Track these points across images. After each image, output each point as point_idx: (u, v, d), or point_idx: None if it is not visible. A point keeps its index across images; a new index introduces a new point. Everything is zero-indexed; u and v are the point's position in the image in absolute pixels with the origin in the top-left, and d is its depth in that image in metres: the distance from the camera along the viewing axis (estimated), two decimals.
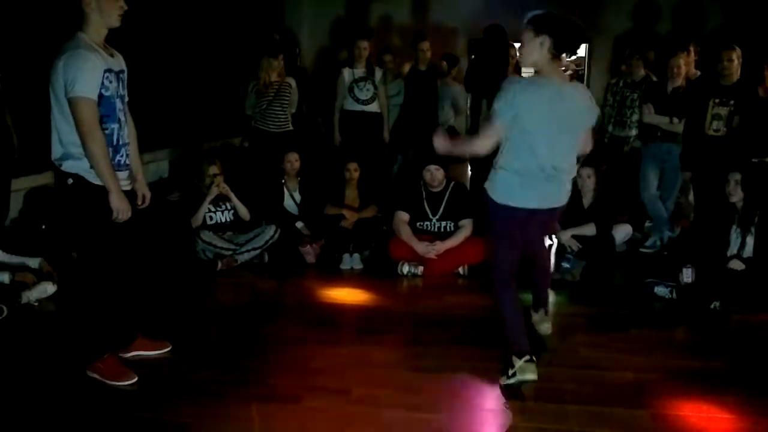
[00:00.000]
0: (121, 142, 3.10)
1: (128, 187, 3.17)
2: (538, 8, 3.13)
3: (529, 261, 3.52)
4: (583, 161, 6.17)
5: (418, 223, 5.20)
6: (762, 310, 4.18)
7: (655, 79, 6.11)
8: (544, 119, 3.04)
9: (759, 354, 3.68)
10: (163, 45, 6.26)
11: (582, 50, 9.31)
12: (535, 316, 3.76)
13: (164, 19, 6.31)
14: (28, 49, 4.71)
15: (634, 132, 6.19)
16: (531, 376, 3.09)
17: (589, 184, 5.23)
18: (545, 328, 3.74)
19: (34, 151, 4.68)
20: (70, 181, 2.99)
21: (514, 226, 3.20)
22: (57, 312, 4.07)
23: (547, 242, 5.62)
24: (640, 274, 4.86)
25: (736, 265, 4.41)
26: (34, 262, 4.31)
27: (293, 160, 5.71)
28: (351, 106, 6.40)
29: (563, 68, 3.36)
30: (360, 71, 6.36)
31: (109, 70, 2.99)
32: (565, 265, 4.98)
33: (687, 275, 4.45)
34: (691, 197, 5.86)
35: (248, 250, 5.12)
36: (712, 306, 4.24)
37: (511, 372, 3.12)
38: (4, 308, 3.89)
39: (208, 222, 5.29)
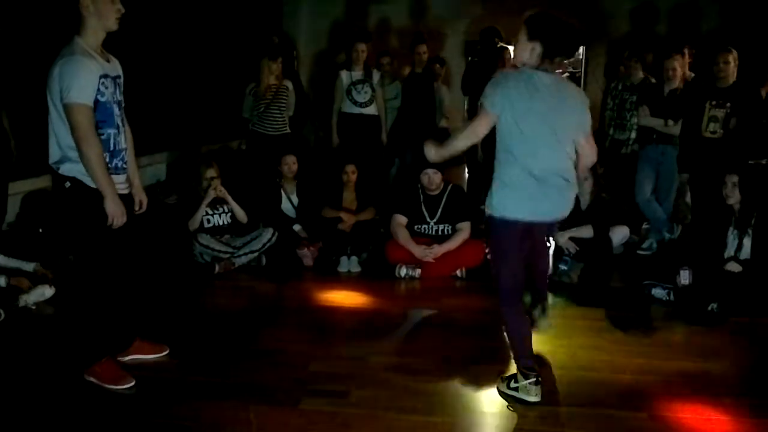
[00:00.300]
0: (118, 147, 3.10)
1: (125, 191, 3.17)
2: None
3: (529, 265, 3.39)
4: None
5: (415, 226, 5.20)
6: (759, 311, 4.18)
7: (653, 81, 6.13)
8: (534, 115, 2.89)
9: (756, 356, 3.69)
10: (161, 48, 6.27)
11: (579, 53, 9.34)
12: (534, 313, 3.62)
13: (162, 22, 6.31)
14: (25, 53, 4.71)
15: (633, 134, 6.21)
16: (534, 398, 3.03)
17: (586, 187, 5.24)
18: (544, 324, 3.56)
19: (32, 155, 4.69)
20: (68, 184, 2.99)
21: (515, 241, 3.05)
22: (54, 315, 4.06)
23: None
24: (637, 276, 4.86)
25: (733, 267, 4.42)
26: (29, 266, 4.31)
27: (291, 163, 5.71)
28: (349, 108, 6.41)
29: (559, 70, 3.29)
30: (358, 74, 6.37)
31: (105, 76, 2.99)
32: (563, 267, 4.99)
33: (684, 277, 4.46)
34: (688, 199, 5.88)
35: (246, 253, 5.12)
36: (709, 308, 4.25)
37: (513, 385, 3.10)
38: (2, 312, 3.88)
39: (206, 225, 5.28)
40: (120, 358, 3.32)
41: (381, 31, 9.02)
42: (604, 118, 6.68)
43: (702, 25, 8.59)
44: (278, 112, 6.21)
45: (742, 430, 2.91)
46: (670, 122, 5.48)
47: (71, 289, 3.72)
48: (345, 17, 9.42)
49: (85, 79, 2.90)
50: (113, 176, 3.04)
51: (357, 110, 6.40)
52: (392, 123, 6.66)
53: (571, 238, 5.09)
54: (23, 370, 3.31)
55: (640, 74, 6.32)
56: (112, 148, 3.06)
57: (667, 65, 5.57)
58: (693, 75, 5.92)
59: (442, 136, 7.01)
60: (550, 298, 4.41)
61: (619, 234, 5.39)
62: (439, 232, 5.20)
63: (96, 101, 2.95)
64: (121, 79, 3.14)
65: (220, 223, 5.34)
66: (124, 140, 3.15)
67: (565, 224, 4.94)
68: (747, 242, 4.45)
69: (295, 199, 5.73)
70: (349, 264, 5.16)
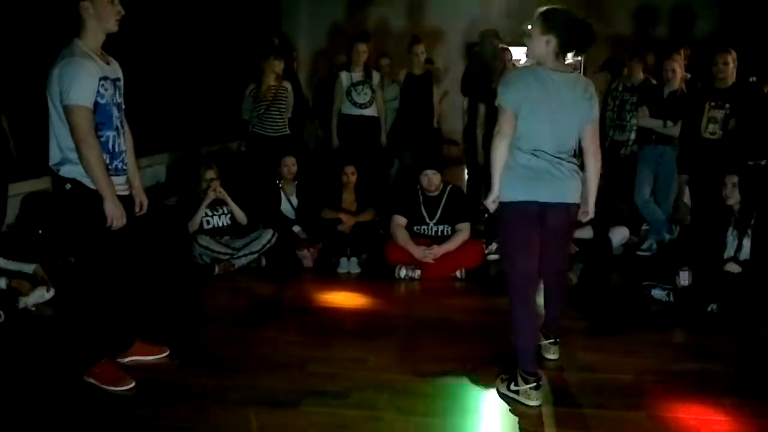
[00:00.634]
0: (118, 149, 3.10)
1: (125, 192, 3.18)
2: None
3: (544, 274, 3.34)
4: (580, 165, 6.19)
5: (415, 227, 5.20)
6: (759, 312, 4.18)
7: (654, 82, 6.14)
8: (543, 109, 2.97)
9: (756, 356, 3.69)
10: (161, 49, 6.27)
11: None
12: (544, 342, 3.49)
13: (161, 23, 6.32)
14: (25, 55, 4.71)
15: (632, 135, 6.21)
16: (534, 402, 3.02)
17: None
18: (552, 352, 3.51)
19: (31, 156, 4.69)
20: (68, 186, 2.99)
21: (524, 225, 3.03)
22: (54, 317, 4.06)
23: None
24: (637, 276, 4.87)
25: (733, 267, 4.42)
26: (29, 268, 4.31)
27: (290, 164, 5.72)
28: (349, 109, 6.41)
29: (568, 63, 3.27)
30: (358, 75, 6.37)
31: (105, 78, 3.00)
32: None
33: (684, 278, 4.46)
34: (687, 199, 5.88)
35: (245, 255, 5.12)
36: (709, 308, 4.25)
37: (513, 388, 3.09)
38: (2, 313, 3.88)
39: (205, 226, 5.28)
40: (120, 360, 3.32)
41: (380, 32, 9.02)
42: (605, 119, 6.68)
43: (701, 26, 8.61)
44: (278, 113, 6.21)
45: (741, 430, 2.91)
46: (669, 123, 5.49)
47: (71, 290, 3.72)
48: (344, 19, 9.43)
49: (85, 81, 2.90)
50: (113, 178, 3.04)
51: (357, 111, 6.40)
52: (391, 124, 6.66)
53: (571, 239, 5.08)
54: (23, 371, 3.31)
55: (641, 75, 6.33)
56: (111, 150, 3.06)
57: (667, 66, 5.58)
58: (689, 76, 5.93)
59: (438, 137, 7.06)
60: None
61: (619, 235, 5.40)
62: (439, 233, 5.20)
63: (95, 103, 2.95)
64: (121, 82, 3.15)
65: (220, 225, 5.34)
66: (123, 142, 3.15)
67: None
68: (746, 243, 4.46)
69: (294, 201, 5.74)
70: (349, 265, 5.16)
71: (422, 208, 5.23)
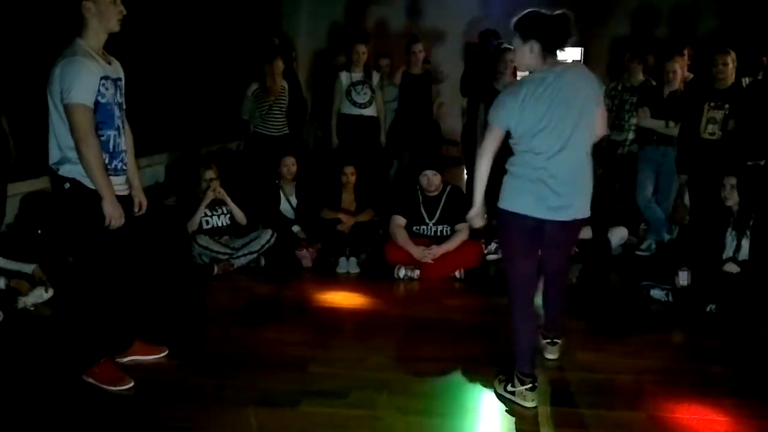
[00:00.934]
0: (118, 149, 3.10)
1: (125, 192, 3.18)
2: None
3: (546, 278, 3.36)
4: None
5: (414, 227, 5.20)
6: (757, 312, 4.19)
7: (654, 83, 6.14)
8: (548, 113, 2.90)
9: (755, 356, 3.70)
10: (160, 49, 6.27)
11: (579, 54, 9.35)
12: (544, 342, 3.50)
13: (161, 23, 6.32)
14: (24, 54, 4.71)
15: (630, 135, 6.21)
16: (530, 404, 3.02)
17: None
18: (552, 353, 3.51)
19: (31, 156, 4.69)
20: (67, 185, 2.99)
21: (526, 232, 3.02)
22: (53, 317, 4.06)
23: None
24: (636, 276, 4.87)
25: (732, 268, 4.43)
26: (29, 268, 4.30)
27: (290, 164, 5.72)
28: (348, 109, 6.41)
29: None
30: (357, 75, 6.38)
31: (106, 77, 3.00)
32: None
33: (683, 278, 4.46)
34: (686, 200, 5.88)
35: (245, 254, 5.12)
36: (707, 309, 4.26)
37: (510, 389, 3.10)
38: (1, 313, 3.88)
39: (205, 226, 5.28)
40: (119, 359, 3.32)
41: (379, 32, 9.02)
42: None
43: (701, 26, 8.61)
44: (280, 113, 6.24)
45: (740, 430, 2.91)
46: (671, 124, 5.49)
47: (70, 290, 3.72)
48: (344, 19, 9.43)
49: (86, 80, 2.91)
50: (112, 178, 3.04)
51: (356, 111, 6.41)
52: (390, 124, 6.67)
53: None
54: (22, 371, 3.31)
55: (641, 76, 6.34)
56: (111, 150, 3.06)
57: (668, 67, 5.58)
58: (692, 76, 5.93)
59: (436, 134, 7.04)
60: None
61: (618, 235, 5.40)
62: (438, 233, 5.20)
63: (96, 102, 2.95)
64: (122, 82, 3.15)
65: (219, 225, 5.34)
66: (124, 142, 3.15)
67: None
68: (745, 243, 4.46)
69: (294, 201, 5.74)
70: (348, 265, 5.16)
71: (421, 208, 5.23)
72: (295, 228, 5.56)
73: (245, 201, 5.48)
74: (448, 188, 5.28)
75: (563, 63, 3.07)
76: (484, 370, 3.36)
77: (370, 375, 3.36)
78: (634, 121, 6.10)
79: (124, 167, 3.16)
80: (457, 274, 5.04)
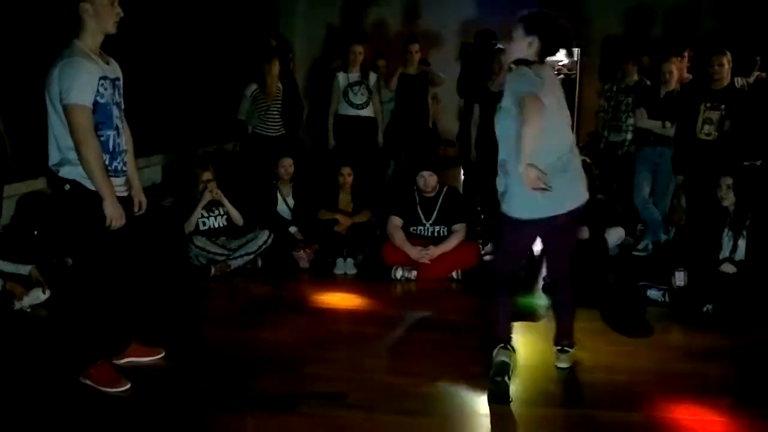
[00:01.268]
0: (118, 149, 3.10)
1: (125, 193, 3.18)
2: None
3: (557, 285, 3.44)
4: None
5: (411, 228, 5.20)
6: (754, 312, 4.19)
7: (648, 83, 6.15)
8: (548, 108, 2.93)
9: (751, 357, 3.70)
10: (157, 50, 6.26)
11: (574, 54, 9.35)
12: (555, 350, 3.46)
13: (158, 24, 6.30)
14: (20, 55, 4.70)
15: (629, 136, 6.22)
16: (503, 358, 3.14)
17: None
18: (563, 361, 3.45)
19: (27, 157, 4.67)
20: (67, 186, 2.99)
21: (521, 236, 3.18)
22: (50, 318, 4.05)
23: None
24: (632, 277, 4.88)
25: (728, 268, 4.43)
26: (25, 269, 4.29)
27: (287, 165, 5.72)
28: (345, 110, 6.42)
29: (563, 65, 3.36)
30: (354, 76, 6.38)
31: (105, 78, 3.00)
32: None
33: (679, 278, 4.47)
34: (683, 200, 5.90)
35: (241, 255, 5.11)
36: (704, 309, 4.26)
37: (492, 363, 3.17)
38: None
39: (201, 227, 5.28)
40: (115, 361, 3.31)
41: (376, 33, 9.02)
42: (598, 120, 6.70)
43: (697, 27, 8.62)
44: (278, 113, 6.26)
45: (737, 430, 2.92)
46: (668, 124, 5.50)
47: (68, 291, 3.71)
48: (341, 19, 9.42)
49: (85, 81, 2.91)
50: (113, 179, 3.04)
51: (353, 112, 6.41)
52: (386, 125, 6.67)
53: None
54: (18, 372, 3.30)
55: (635, 76, 6.35)
56: (111, 150, 3.06)
57: (664, 68, 5.60)
58: (690, 77, 5.94)
59: (433, 136, 7.04)
60: (545, 300, 4.48)
61: (615, 235, 5.41)
62: (435, 234, 5.20)
63: (95, 103, 2.95)
64: (121, 82, 3.15)
65: (216, 226, 5.33)
66: (124, 142, 3.16)
67: None
68: (742, 243, 4.47)
69: (291, 202, 5.73)
70: (345, 266, 5.16)
71: (418, 208, 5.23)
72: (292, 229, 5.56)
73: (242, 202, 5.48)
74: (445, 189, 5.28)
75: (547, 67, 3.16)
76: (482, 371, 3.35)
77: (367, 376, 3.36)
78: (631, 121, 6.12)
79: (124, 168, 3.16)
80: (454, 274, 5.04)
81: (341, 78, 6.39)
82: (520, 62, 3.05)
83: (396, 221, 5.18)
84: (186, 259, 5.10)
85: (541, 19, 3.06)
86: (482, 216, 6.09)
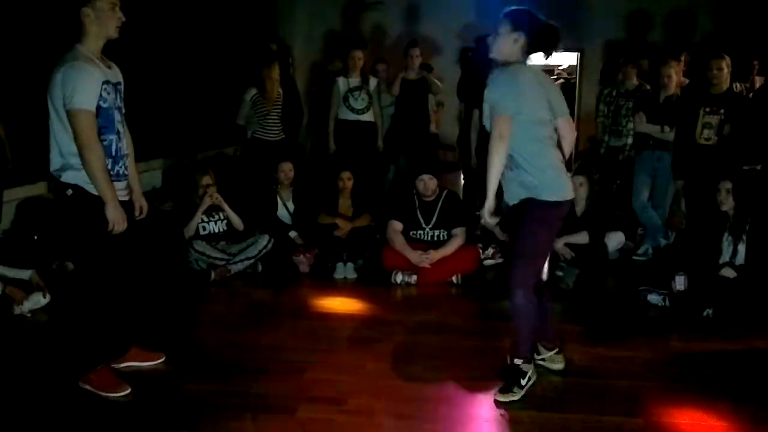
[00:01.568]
0: (120, 153, 3.12)
1: (126, 198, 3.19)
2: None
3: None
4: (575, 169, 6.22)
5: (411, 232, 5.20)
6: (754, 317, 4.19)
7: (648, 87, 6.16)
8: (543, 100, 3.07)
9: (751, 361, 3.70)
10: (156, 54, 6.27)
11: (573, 59, 9.37)
12: (550, 354, 3.46)
13: (158, 29, 6.31)
14: (20, 60, 4.71)
15: (629, 141, 6.23)
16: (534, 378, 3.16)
17: (581, 193, 5.26)
18: (558, 362, 3.48)
19: (27, 162, 4.68)
20: (70, 191, 3.00)
21: (555, 226, 3.21)
22: (50, 323, 4.05)
23: None
24: (633, 281, 4.87)
25: (728, 272, 4.43)
26: (25, 274, 4.30)
27: (287, 170, 5.73)
28: (345, 115, 6.43)
29: (554, 77, 3.40)
30: (355, 81, 6.39)
31: (107, 82, 3.01)
32: (559, 273, 4.99)
33: (679, 283, 4.47)
34: (683, 204, 5.90)
35: (242, 260, 5.11)
36: (704, 313, 4.26)
37: (525, 382, 3.15)
38: None
39: (201, 232, 5.28)
40: (115, 366, 3.31)
41: (376, 38, 9.04)
42: (597, 125, 6.71)
43: (696, 31, 8.64)
44: (277, 117, 6.26)
45: None
46: (667, 129, 5.50)
47: (68, 296, 3.71)
48: (340, 24, 9.44)
49: (88, 85, 2.92)
50: (116, 183, 3.06)
51: (353, 117, 6.42)
52: (386, 130, 6.67)
53: (567, 245, 5.10)
54: (18, 377, 3.30)
55: (635, 80, 6.36)
56: (114, 154, 3.07)
57: (663, 72, 5.60)
58: (687, 81, 5.95)
59: (433, 142, 7.06)
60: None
61: (615, 240, 5.41)
62: (435, 238, 5.20)
63: (98, 107, 2.97)
64: (122, 86, 3.17)
65: (216, 231, 5.33)
66: (125, 146, 3.17)
67: (560, 230, 4.94)
68: (742, 248, 4.47)
69: (291, 206, 5.74)
70: (345, 270, 5.16)
71: (418, 212, 5.23)
72: (292, 233, 5.56)
73: (242, 206, 5.48)
74: (445, 193, 5.28)
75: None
76: (482, 375, 3.36)
77: (367, 381, 3.36)
78: (631, 125, 6.12)
79: (125, 172, 3.17)
80: (454, 279, 5.03)
81: (341, 83, 6.40)
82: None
83: (396, 225, 5.18)
84: (186, 263, 5.09)
85: (527, 15, 3.07)
86: (482, 220, 6.08)
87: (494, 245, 5.31)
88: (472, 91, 6.32)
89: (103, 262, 3.07)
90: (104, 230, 2.99)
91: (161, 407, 3.06)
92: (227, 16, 7.82)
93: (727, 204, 4.54)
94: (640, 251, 5.73)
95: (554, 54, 3.16)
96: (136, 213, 3.28)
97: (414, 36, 8.18)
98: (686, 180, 5.36)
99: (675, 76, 5.58)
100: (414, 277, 5.00)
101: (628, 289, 4.76)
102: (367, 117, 6.43)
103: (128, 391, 3.13)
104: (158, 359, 3.48)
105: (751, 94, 5.96)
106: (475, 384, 3.30)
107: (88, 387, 3.13)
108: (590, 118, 7.57)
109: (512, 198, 3.18)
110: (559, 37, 3.09)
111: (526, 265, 3.13)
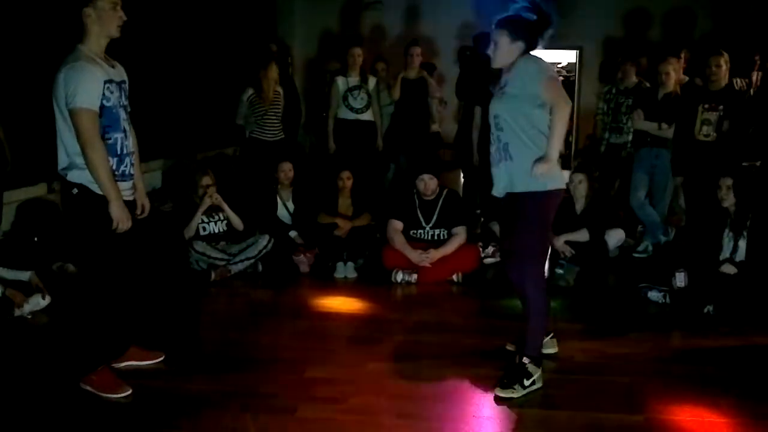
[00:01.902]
0: (125, 152, 3.13)
1: (131, 197, 3.21)
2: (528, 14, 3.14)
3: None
4: (575, 167, 6.23)
5: (411, 231, 5.20)
6: (755, 313, 4.19)
7: (647, 85, 6.16)
8: None
9: (752, 358, 3.70)
10: (156, 55, 6.27)
11: (572, 56, 9.37)
12: (546, 339, 3.53)
13: (157, 29, 6.31)
14: (20, 62, 4.71)
15: (630, 138, 6.23)
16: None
17: (581, 190, 5.27)
18: (553, 345, 3.60)
19: (26, 163, 4.68)
20: (75, 190, 3.02)
21: (552, 217, 3.28)
22: (50, 324, 4.05)
23: None
24: (633, 278, 4.87)
25: (729, 269, 4.44)
26: (25, 276, 4.30)
27: (287, 170, 5.73)
28: (345, 114, 6.43)
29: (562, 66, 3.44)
30: (354, 80, 6.39)
31: (110, 81, 3.03)
32: (559, 271, 4.99)
33: (680, 279, 4.47)
34: (682, 201, 5.90)
35: (242, 260, 5.11)
36: (705, 310, 4.26)
37: (528, 383, 3.16)
38: None
39: (201, 233, 5.28)
40: (115, 365, 3.31)
41: (375, 37, 9.04)
42: (596, 122, 6.71)
43: (695, 29, 8.64)
44: (276, 118, 6.26)
45: (738, 431, 2.91)
46: (664, 126, 5.50)
47: (72, 296, 3.72)
48: (339, 23, 9.44)
49: (90, 85, 2.94)
50: (121, 183, 3.08)
51: (353, 116, 6.41)
52: (386, 129, 6.67)
53: (567, 242, 5.10)
54: (19, 379, 3.30)
55: (634, 78, 6.36)
56: (119, 152, 3.09)
57: (661, 69, 5.60)
58: (687, 79, 5.95)
59: (435, 141, 7.07)
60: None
61: (615, 237, 5.41)
62: (435, 237, 5.20)
63: (102, 106, 2.99)
64: (126, 85, 3.19)
65: (216, 231, 5.33)
66: (131, 145, 3.19)
67: (560, 228, 4.96)
68: (742, 244, 4.47)
69: (291, 206, 5.74)
70: (346, 270, 5.16)
71: (418, 211, 5.23)
72: (293, 233, 5.56)
73: (242, 207, 5.48)
74: (445, 192, 5.28)
75: None
76: (483, 374, 3.36)
77: (368, 380, 3.36)
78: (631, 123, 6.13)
79: (131, 171, 3.19)
80: (454, 277, 5.03)
81: (340, 82, 6.40)
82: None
83: (396, 224, 5.18)
84: (186, 264, 5.10)
85: (522, 22, 3.14)
86: (482, 219, 6.09)
87: (494, 244, 5.31)
88: (471, 89, 6.33)
89: (107, 261, 3.09)
90: (109, 229, 3.01)
91: (161, 407, 3.06)
92: (226, 16, 7.82)
93: (728, 201, 4.54)
94: (640, 248, 5.73)
95: (553, 52, 3.21)
96: (138, 212, 3.29)
97: (413, 35, 8.18)
98: (686, 176, 5.36)
99: (673, 74, 5.59)
100: (414, 276, 5.00)
101: (629, 287, 4.77)
102: (367, 116, 6.43)
103: (129, 392, 3.13)
104: (158, 359, 3.49)
105: (752, 90, 5.96)
106: (476, 382, 3.30)
107: (89, 388, 3.13)
108: (589, 115, 7.58)
109: (503, 190, 3.22)
110: (551, 23, 3.15)
111: (537, 264, 3.23)
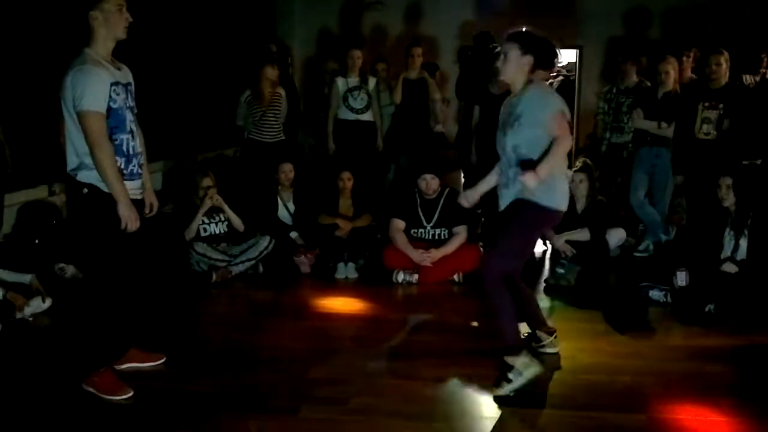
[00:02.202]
0: (133, 152, 3.16)
1: (139, 197, 3.24)
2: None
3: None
4: (576, 167, 6.21)
5: (412, 231, 5.20)
6: (756, 312, 4.19)
7: (648, 84, 6.16)
8: None
9: (754, 357, 3.69)
10: (156, 57, 6.27)
11: (573, 56, 9.36)
12: (548, 340, 3.58)
13: (157, 30, 6.31)
14: (21, 64, 4.71)
15: (631, 137, 6.22)
16: (535, 368, 3.15)
17: (582, 190, 5.26)
18: (556, 344, 3.59)
19: (27, 166, 4.68)
20: (85, 190, 3.05)
21: (541, 233, 3.41)
22: (52, 326, 4.06)
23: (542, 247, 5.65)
24: (634, 277, 4.87)
25: (730, 267, 4.43)
26: (26, 279, 4.30)
27: (287, 171, 5.73)
28: (345, 115, 6.43)
29: (554, 74, 3.47)
30: (354, 80, 6.39)
31: (117, 83, 3.07)
32: (560, 270, 4.99)
33: (681, 278, 4.47)
34: (683, 200, 5.89)
35: (243, 261, 5.11)
36: (706, 309, 4.26)
37: (513, 376, 3.13)
38: None
39: (202, 234, 5.28)
40: (116, 367, 3.31)
41: (375, 37, 9.03)
42: (597, 122, 6.71)
43: (695, 28, 8.62)
44: (274, 119, 6.24)
45: (740, 430, 2.91)
46: (664, 125, 5.50)
47: (77, 298, 3.72)
48: (338, 23, 9.44)
49: (96, 87, 2.98)
50: (129, 182, 3.11)
51: (353, 117, 6.41)
52: (387, 129, 6.67)
53: (568, 242, 5.10)
54: (21, 381, 3.31)
55: (634, 77, 6.35)
56: (126, 153, 3.12)
57: (661, 68, 5.59)
58: (695, 77, 5.94)
59: (438, 141, 7.06)
60: (548, 302, 4.49)
61: (616, 236, 5.40)
62: (436, 237, 5.20)
63: (109, 108, 3.02)
64: (132, 86, 3.22)
65: (217, 232, 5.34)
66: (139, 145, 3.22)
67: (561, 227, 4.95)
68: (743, 243, 4.46)
69: (291, 207, 5.74)
70: (347, 270, 5.16)
71: (419, 211, 5.23)
72: (293, 234, 5.56)
73: (243, 208, 5.48)
74: (446, 191, 5.28)
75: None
76: (483, 374, 3.35)
77: (369, 380, 3.36)
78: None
79: (139, 171, 3.22)
80: (455, 277, 5.03)
81: (340, 83, 6.40)
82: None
83: (398, 224, 5.18)
84: (187, 265, 5.10)
85: (534, 37, 3.18)
86: (483, 218, 6.08)
87: None
88: (472, 89, 6.32)
89: (113, 261, 3.11)
90: (118, 228, 3.03)
91: (163, 408, 3.07)
92: (226, 17, 7.83)
93: (729, 200, 4.54)
94: (641, 247, 5.73)
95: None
96: (146, 210, 3.33)
97: (413, 35, 8.18)
98: (686, 175, 5.35)
99: (673, 73, 5.58)
100: (415, 276, 5.00)
101: (630, 286, 4.76)
102: (367, 117, 6.43)
103: (131, 394, 3.13)
104: (159, 360, 3.49)
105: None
106: (477, 383, 3.30)
107: (91, 389, 3.14)
108: (589, 115, 7.57)
109: (508, 200, 3.26)
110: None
111: (507, 264, 3.22)
